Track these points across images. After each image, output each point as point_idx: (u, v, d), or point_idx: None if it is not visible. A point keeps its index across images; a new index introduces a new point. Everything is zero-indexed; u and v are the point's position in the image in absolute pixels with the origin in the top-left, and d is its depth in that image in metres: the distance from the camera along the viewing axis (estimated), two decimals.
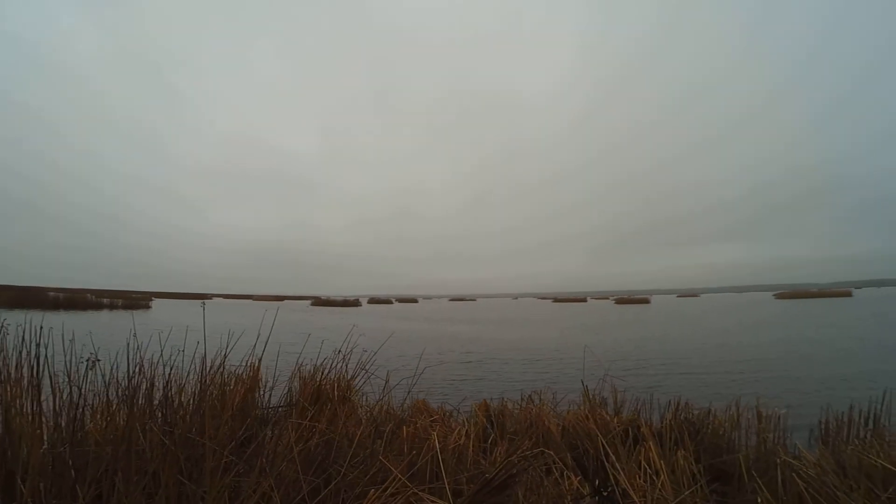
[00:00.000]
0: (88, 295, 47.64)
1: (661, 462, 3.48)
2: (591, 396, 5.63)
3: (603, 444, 3.89)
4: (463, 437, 4.18)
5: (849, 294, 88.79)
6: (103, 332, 19.31)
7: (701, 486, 3.41)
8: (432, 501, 2.88)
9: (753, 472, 3.48)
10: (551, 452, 4.12)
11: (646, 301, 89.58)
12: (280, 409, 4.67)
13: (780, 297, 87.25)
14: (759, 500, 2.90)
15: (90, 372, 3.71)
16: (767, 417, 4.79)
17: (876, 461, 3.32)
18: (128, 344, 3.53)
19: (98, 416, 3.62)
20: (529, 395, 6.37)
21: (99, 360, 3.73)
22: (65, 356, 3.80)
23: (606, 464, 3.63)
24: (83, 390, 3.54)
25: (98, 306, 44.08)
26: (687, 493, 3.20)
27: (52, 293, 46.01)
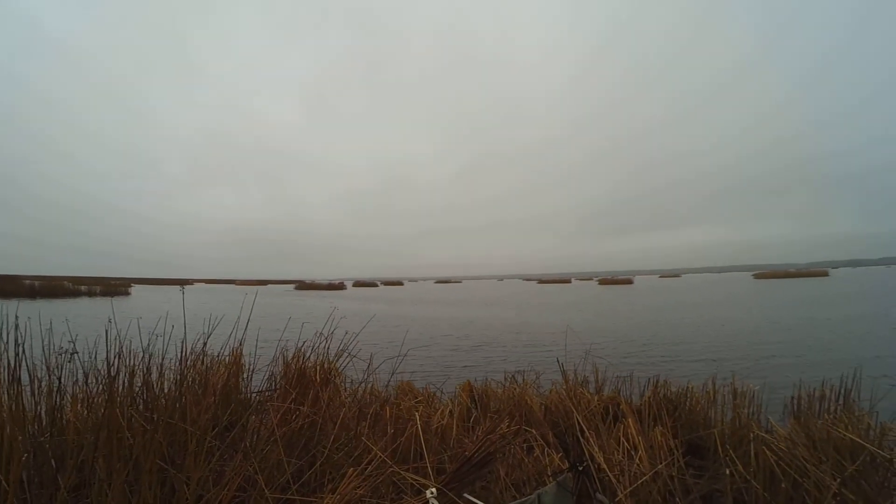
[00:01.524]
0: (66, 282, 46.73)
1: (640, 438, 3.58)
2: (569, 376, 5.73)
3: (578, 421, 3.99)
4: (447, 417, 4.24)
5: (825, 274, 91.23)
6: (82, 319, 19.02)
7: (677, 459, 3.51)
8: (414, 480, 2.93)
9: (728, 447, 3.60)
10: (532, 430, 4.21)
11: (629, 282, 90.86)
12: (263, 393, 4.67)
13: (758, 277, 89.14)
14: (729, 472, 3.01)
15: (69, 360, 3.67)
16: (742, 394, 4.93)
17: (844, 434, 3.45)
18: (106, 331, 3.48)
19: (78, 405, 3.59)
20: (513, 375, 6.45)
21: (77, 353, 3.69)
22: (42, 345, 3.74)
23: (581, 440, 3.73)
24: (62, 379, 3.50)
25: (76, 294, 43.31)
26: (662, 466, 3.30)
27: (27, 281, 45.00)
